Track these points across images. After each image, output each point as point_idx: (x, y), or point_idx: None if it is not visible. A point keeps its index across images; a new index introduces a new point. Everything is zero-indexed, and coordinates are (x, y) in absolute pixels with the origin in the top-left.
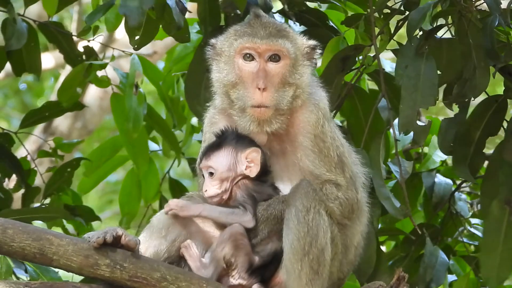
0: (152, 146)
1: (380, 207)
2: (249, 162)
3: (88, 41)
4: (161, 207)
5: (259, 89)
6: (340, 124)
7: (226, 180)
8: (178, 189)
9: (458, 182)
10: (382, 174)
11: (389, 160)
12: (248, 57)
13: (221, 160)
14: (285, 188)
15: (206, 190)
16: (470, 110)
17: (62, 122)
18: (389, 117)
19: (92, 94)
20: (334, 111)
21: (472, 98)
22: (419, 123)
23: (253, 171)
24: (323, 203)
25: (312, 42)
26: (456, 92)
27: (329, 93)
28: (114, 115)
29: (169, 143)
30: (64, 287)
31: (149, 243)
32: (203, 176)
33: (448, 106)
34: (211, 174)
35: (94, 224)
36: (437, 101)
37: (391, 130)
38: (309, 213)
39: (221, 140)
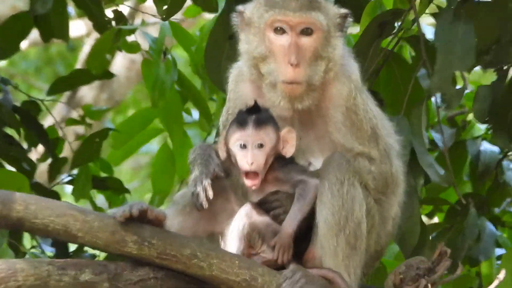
0: (186, 117)
1: (423, 176)
2: (284, 141)
3: (117, 5)
4: None
5: (291, 65)
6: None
7: (269, 157)
8: None
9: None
10: (425, 142)
11: (431, 130)
12: (279, 30)
13: (271, 134)
14: (316, 161)
15: (252, 163)
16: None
17: (87, 93)
18: (429, 85)
19: (119, 64)
20: (370, 80)
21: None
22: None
23: (290, 152)
24: (357, 175)
25: (344, 11)
26: (492, 58)
27: (365, 61)
28: (146, 82)
29: (203, 115)
30: (89, 265)
31: (173, 220)
32: (241, 148)
33: (486, 71)
34: (260, 146)
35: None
36: (475, 67)
37: (432, 99)
38: (343, 186)
39: (265, 114)
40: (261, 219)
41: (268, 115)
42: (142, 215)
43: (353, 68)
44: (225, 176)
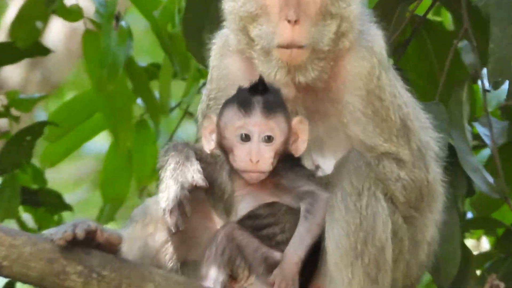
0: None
1: (465, 184)
2: (294, 135)
3: None
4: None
5: (289, 21)
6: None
7: (277, 155)
8: None
9: None
10: (468, 137)
11: (476, 122)
12: None
13: (283, 125)
14: (326, 164)
15: (258, 161)
16: None
17: (13, 73)
18: (474, 62)
19: (56, 34)
20: (394, 55)
21: None
22: None
23: (300, 149)
24: (380, 183)
25: None
26: None
27: (387, 29)
28: (85, 60)
29: (149, 103)
30: None
31: (131, 244)
32: (243, 139)
33: None
34: (269, 139)
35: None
36: None
37: (479, 81)
38: (361, 197)
39: (276, 95)
40: (247, 241)
41: (280, 99)
42: (90, 237)
43: (376, 37)
44: (208, 187)
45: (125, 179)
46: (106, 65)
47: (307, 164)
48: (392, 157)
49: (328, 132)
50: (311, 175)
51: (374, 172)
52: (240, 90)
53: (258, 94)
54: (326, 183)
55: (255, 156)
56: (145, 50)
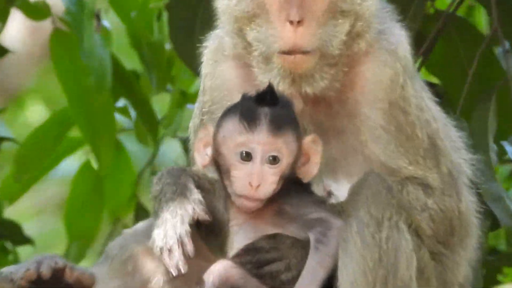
0: (121, 120)
1: (489, 215)
2: (304, 156)
3: None
4: (137, 221)
5: (291, 22)
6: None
7: (282, 179)
8: None
9: None
10: (492, 159)
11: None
12: None
13: (292, 144)
14: (339, 189)
15: (259, 185)
16: None
17: None
18: (507, 65)
19: (15, 33)
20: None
21: None
22: None
23: (310, 173)
24: (404, 212)
25: None
26: None
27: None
28: (55, 65)
29: (144, 118)
30: None
31: (105, 285)
32: (243, 158)
33: None
34: (274, 160)
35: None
36: None
37: None
38: (381, 228)
39: (286, 108)
40: (245, 281)
41: (291, 112)
42: (57, 277)
43: (400, 38)
44: (211, 220)
45: (95, 209)
46: (94, 72)
47: (318, 189)
48: (418, 182)
49: (343, 152)
50: (321, 202)
51: (396, 199)
52: (244, 98)
53: (265, 105)
54: (339, 211)
55: (256, 180)
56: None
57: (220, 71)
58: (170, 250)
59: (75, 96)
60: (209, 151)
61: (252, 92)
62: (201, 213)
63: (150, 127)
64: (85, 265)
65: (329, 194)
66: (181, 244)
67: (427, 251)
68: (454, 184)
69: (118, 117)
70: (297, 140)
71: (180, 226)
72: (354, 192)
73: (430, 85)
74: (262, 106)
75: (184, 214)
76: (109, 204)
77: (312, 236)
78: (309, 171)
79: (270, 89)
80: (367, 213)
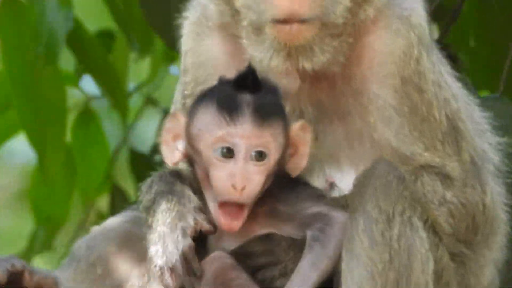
0: (92, 87)
1: None
2: (291, 147)
3: None
4: (113, 206)
5: None
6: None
7: (270, 177)
8: (145, 170)
9: None
10: None
11: None
12: None
13: (280, 136)
14: (343, 180)
15: (244, 187)
16: None
17: None
18: None
19: None
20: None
21: None
22: None
23: (298, 166)
24: (419, 206)
25: None
26: None
27: None
28: (2, 37)
29: (110, 88)
30: None
31: None
32: (224, 155)
33: None
34: (260, 156)
35: None
36: None
37: None
38: (392, 225)
39: (272, 94)
40: (238, 274)
41: (277, 99)
42: (15, 281)
43: (413, 3)
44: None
45: (65, 192)
46: (42, 40)
47: (319, 181)
48: (435, 171)
49: (348, 137)
50: (320, 195)
51: (409, 191)
52: (221, 82)
53: (246, 91)
54: (344, 205)
55: (241, 180)
56: (91, 13)
57: (204, 47)
58: (172, 269)
59: (16, 69)
60: (180, 145)
61: (231, 75)
62: (204, 223)
63: (117, 100)
64: (52, 256)
65: (332, 186)
66: (185, 261)
67: (446, 251)
68: (478, 174)
69: (88, 84)
70: (285, 130)
71: (182, 240)
72: (361, 183)
73: (450, 58)
74: (243, 92)
75: (185, 226)
76: (81, 184)
77: (309, 233)
78: (297, 164)
79: (251, 71)
80: (375, 207)
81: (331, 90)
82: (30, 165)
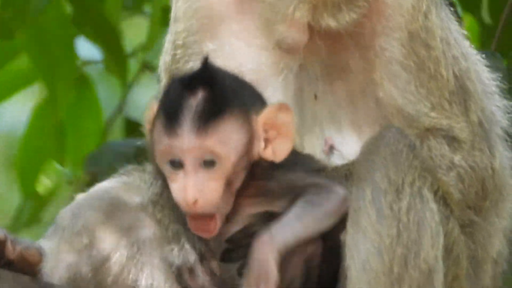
0: (86, 51)
1: None
2: (268, 132)
3: None
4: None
5: None
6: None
7: (233, 180)
8: (141, 139)
9: None
10: None
11: None
12: None
13: (232, 136)
14: (346, 144)
15: (196, 200)
16: None
17: None
18: None
19: None
20: None
21: None
22: None
23: (280, 153)
24: (429, 175)
25: None
26: None
27: None
28: None
29: (111, 50)
30: None
31: (57, 261)
32: (174, 167)
33: None
34: (210, 164)
35: None
36: None
37: None
38: (401, 197)
39: (222, 87)
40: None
41: (227, 92)
42: None
43: None
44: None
45: (54, 159)
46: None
47: (318, 143)
48: (442, 134)
49: (350, 95)
50: (319, 169)
51: (419, 160)
52: (172, 82)
53: (196, 91)
54: (346, 174)
55: (191, 194)
56: None
57: None
58: (191, 270)
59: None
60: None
61: (229, 26)
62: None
63: (117, 61)
64: (40, 230)
65: (331, 149)
66: (203, 260)
67: (457, 224)
68: (486, 136)
69: (82, 48)
70: (243, 124)
71: (199, 238)
72: (369, 151)
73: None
74: (191, 93)
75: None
76: (71, 157)
77: (302, 196)
78: (280, 148)
79: (205, 66)
80: (384, 178)
81: (335, 45)
82: (17, 133)
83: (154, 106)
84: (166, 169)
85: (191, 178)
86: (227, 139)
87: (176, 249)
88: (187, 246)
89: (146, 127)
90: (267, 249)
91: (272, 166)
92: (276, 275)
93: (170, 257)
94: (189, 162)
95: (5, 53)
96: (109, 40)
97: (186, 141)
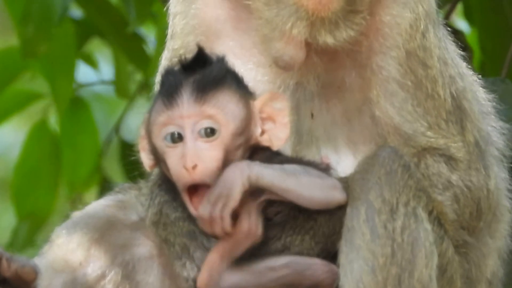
0: (85, 73)
1: None
2: (266, 120)
3: None
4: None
5: None
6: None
7: (232, 151)
8: (137, 162)
9: None
10: None
11: None
12: None
13: (231, 105)
14: (341, 162)
15: (195, 165)
16: None
17: None
18: None
19: None
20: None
21: None
22: None
23: (278, 139)
24: (424, 195)
25: None
26: None
27: None
28: (8, 7)
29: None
30: None
31: (51, 279)
32: (173, 141)
33: None
34: (210, 132)
35: None
36: None
37: None
38: (395, 217)
39: (216, 66)
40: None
41: (223, 68)
42: None
43: None
44: None
45: (50, 184)
46: (31, 19)
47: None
48: (439, 153)
49: (347, 113)
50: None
51: (414, 180)
52: (167, 72)
53: (192, 72)
54: (344, 187)
55: (190, 159)
56: None
57: (196, 9)
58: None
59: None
60: (149, 148)
61: (224, 43)
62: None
63: (138, 64)
64: (36, 253)
65: (327, 168)
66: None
67: (451, 244)
68: (482, 156)
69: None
70: (241, 100)
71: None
72: (364, 170)
73: (454, 34)
74: (188, 75)
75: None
76: (67, 176)
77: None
78: (277, 136)
79: (199, 54)
80: (379, 197)
81: (331, 63)
82: (12, 155)
83: (147, 118)
84: (164, 145)
85: (190, 145)
86: (225, 107)
87: (187, 262)
88: (198, 255)
89: (143, 142)
90: (239, 172)
91: (273, 157)
92: (237, 199)
93: (184, 272)
94: (188, 131)
95: (9, 73)
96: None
97: (186, 107)
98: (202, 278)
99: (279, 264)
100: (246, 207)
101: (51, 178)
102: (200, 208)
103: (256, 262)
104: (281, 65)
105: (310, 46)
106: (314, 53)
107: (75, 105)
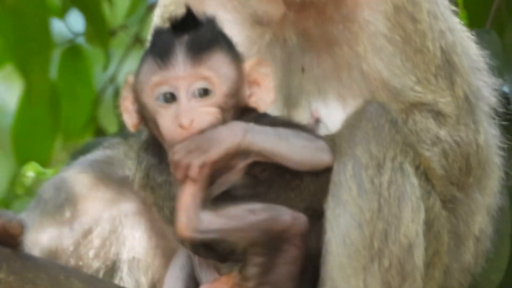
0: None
1: None
2: (252, 83)
3: None
4: None
5: None
6: None
7: (225, 111)
8: None
9: None
10: None
11: None
12: None
13: (225, 67)
14: (330, 117)
15: (192, 122)
16: None
17: None
18: None
19: None
20: None
21: None
22: None
23: (263, 101)
24: (411, 150)
25: None
26: None
27: None
28: None
29: (92, 20)
30: None
31: (39, 234)
32: (166, 101)
33: None
34: (204, 92)
35: None
36: None
37: None
38: (382, 171)
39: (208, 28)
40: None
41: (215, 31)
42: None
43: None
44: None
45: (49, 132)
46: None
47: (304, 116)
48: (427, 108)
49: (335, 68)
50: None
51: (401, 135)
52: (157, 32)
53: (183, 33)
54: (330, 144)
55: (186, 116)
56: None
57: None
58: None
59: None
60: (135, 109)
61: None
62: None
63: (98, 34)
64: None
65: (317, 121)
66: None
67: (438, 199)
68: (471, 111)
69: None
70: (232, 62)
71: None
72: (351, 125)
73: None
74: (180, 35)
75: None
76: (64, 125)
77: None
78: (263, 99)
79: (188, 14)
80: (365, 152)
81: (319, 17)
82: (9, 106)
83: (130, 78)
84: (156, 105)
85: (185, 104)
86: (219, 68)
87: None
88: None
89: (127, 99)
90: (230, 135)
91: (260, 118)
92: (213, 158)
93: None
94: (183, 91)
95: None
96: (94, 15)
97: (181, 68)
98: (180, 222)
99: (258, 208)
100: (229, 168)
101: (51, 126)
102: (175, 149)
103: (235, 207)
104: (257, 21)
105: (291, 1)
106: (297, 7)
107: (72, 54)
